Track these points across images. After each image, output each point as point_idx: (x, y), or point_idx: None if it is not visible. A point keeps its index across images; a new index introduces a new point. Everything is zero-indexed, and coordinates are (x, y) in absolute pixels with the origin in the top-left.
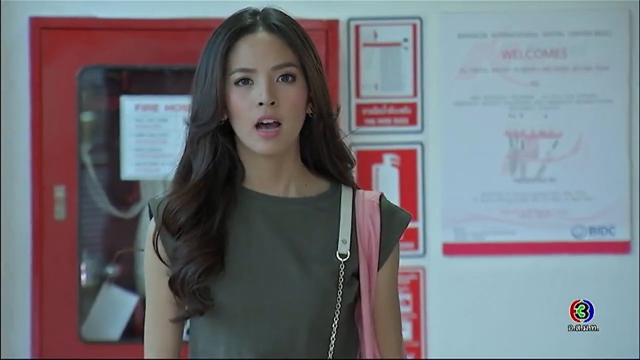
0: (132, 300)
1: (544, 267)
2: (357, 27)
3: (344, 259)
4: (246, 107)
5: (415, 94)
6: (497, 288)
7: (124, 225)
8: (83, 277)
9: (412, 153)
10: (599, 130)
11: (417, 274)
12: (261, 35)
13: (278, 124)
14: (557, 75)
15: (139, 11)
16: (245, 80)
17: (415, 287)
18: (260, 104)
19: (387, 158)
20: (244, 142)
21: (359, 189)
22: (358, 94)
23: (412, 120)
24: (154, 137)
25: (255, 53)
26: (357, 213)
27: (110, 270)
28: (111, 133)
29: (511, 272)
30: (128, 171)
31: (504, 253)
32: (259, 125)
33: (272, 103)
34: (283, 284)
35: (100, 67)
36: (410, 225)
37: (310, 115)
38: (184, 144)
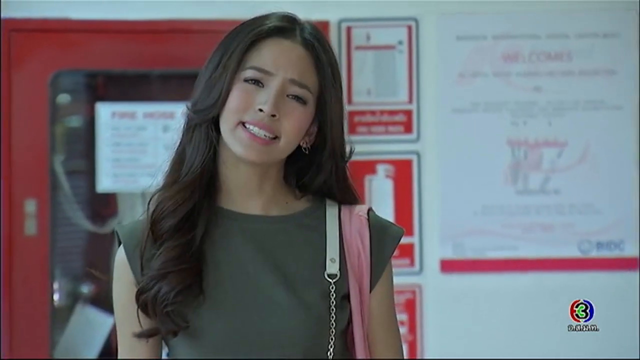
0: (108, 321)
1: (548, 284)
2: (348, 29)
3: (334, 280)
4: (243, 105)
5: (410, 100)
6: (499, 307)
7: (99, 241)
8: (56, 296)
9: (408, 163)
10: (607, 139)
11: (413, 292)
12: (293, 44)
13: (275, 137)
14: (562, 80)
15: (116, 12)
16: (256, 81)
17: (411, 307)
18: (260, 110)
19: (381, 169)
20: (225, 139)
21: (347, 203)
22: (350, 100)
23: (408, 128)
24: (132, 147)
25: (279, 58)
26: (344, 229)
27: (85, 289)
28: (86, 142)
29: (513, 290)
30: (104, 183)
31: (506, 270)
32: (245, 125)
33: (273, 116)
34: (271, 311)
35: (75, 72)
36: (406, 240)
37: (304, 150)
38: (180, 133)
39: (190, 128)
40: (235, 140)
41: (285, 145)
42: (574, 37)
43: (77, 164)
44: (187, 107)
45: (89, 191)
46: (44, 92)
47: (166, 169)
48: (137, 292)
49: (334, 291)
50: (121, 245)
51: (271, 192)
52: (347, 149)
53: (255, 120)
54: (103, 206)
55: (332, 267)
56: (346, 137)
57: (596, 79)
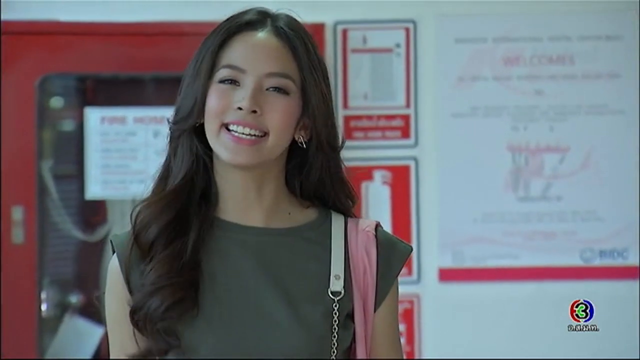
0: (97, 331)
1: (550, 294)
2: (344, 32)
3: (338, 298)
4: (221, 108)
5: (408, 105)
6: (499, 317)
7: (89, 249)
8: (44, 306)
9: (405, 169)
10: (611, 144)
11: (411, 302)
12: (263, 35)
13: (263, 134)
14: (564, 83)
15: (106, 14)
16: (231, 81)
17: (409, 317)
18: (240, 109)
19: (378, 175)
20: (212, 145)
21: (351, 216)
22: (346, 105)
23: (405, 133)
24: (122, 153)
25: (250, 52)
26: (350, 245)
27: (74, 298)
28: (74, 148)
29: (514, 300)
30: (93, 190)
31: (507, 279)
32: (229, 128)
33: (254, 112)
34: (269, 329)
35: (63, 76)
36: None
37: (300, 144)
38: (167, 145)
39: (173, 140)
40: (220, 146)
41: (276, 141)
42: (576, 40)
43: (66, 170)
44: (168, 119)
45: (78, 198)
46: (32, 96)
47: (154, 182)
48: (131, 311)
49: (338, 309)
50: (114, 255)
51: (272, 200)
52: (339, 140)
53: (236, 119)
54: (92, 214)
55: (337, 285)
56: (337, 126)
57: (599, 83)
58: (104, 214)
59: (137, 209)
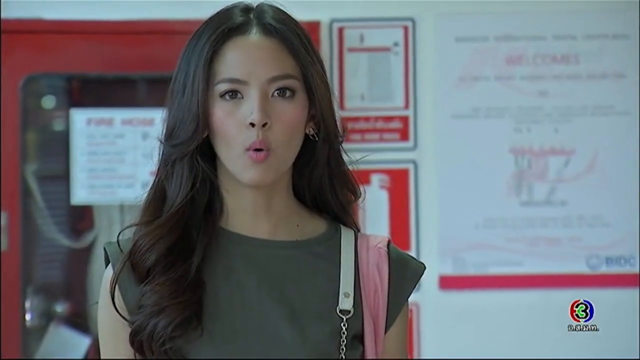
0: (84, 342)
1: (555, 302)
2: (340, 30)
3: (347, 316)
4: (234, 127)
5: (407, 106)
6: (502, 326)
7: (75, 256)
8: (28, 315)
9: (404, 173)
10: (617, 146)
11: (410, 310)
12: (255, 37)
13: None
14: (569, 83)
15: (93, 12)
16: (234, 94)
17: (408, 326)
18: (252, 124)
19: (376, 179)
20: (229, 167)
21: (359, 231)
22: (342, 106)
23: (404, 135)
24: (109, 156)
25: (247, 60)
26: (360, 261)
27: (60, 307)
28: (60, 151)
29: (517, 308)
30: (79, 195)
31: (510, 286)
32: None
33: (265, 124)
34: (274, 347)
35: (47, 76)
36: None
37: (312, 137)
38: (157, 166)
39: (168, 163)
40: (240, 169)
41: (283, 155)
42: (581, 39)
43: (51, 173)
44: (160, 140)
45: (64, 202)
46: (15, 97)
47: (142, 207)
48: (131, 333)
49: (346, 329)
50: (109, 265)
51: (281, 212)
52: (340, 129)
53: (254, 140)
54: (78, 220)
55: (346, 303)
56: (337, 116)
57: (605, 83)
58: (91, 220)
59: (132, 232)
